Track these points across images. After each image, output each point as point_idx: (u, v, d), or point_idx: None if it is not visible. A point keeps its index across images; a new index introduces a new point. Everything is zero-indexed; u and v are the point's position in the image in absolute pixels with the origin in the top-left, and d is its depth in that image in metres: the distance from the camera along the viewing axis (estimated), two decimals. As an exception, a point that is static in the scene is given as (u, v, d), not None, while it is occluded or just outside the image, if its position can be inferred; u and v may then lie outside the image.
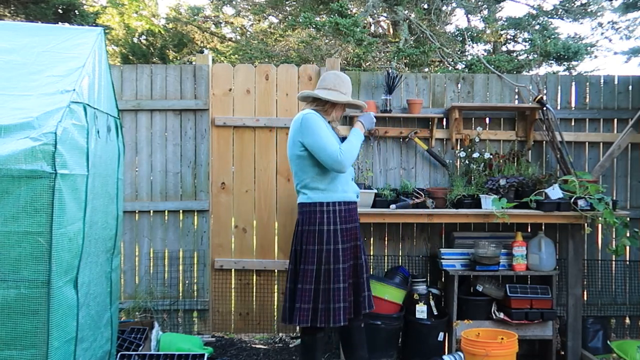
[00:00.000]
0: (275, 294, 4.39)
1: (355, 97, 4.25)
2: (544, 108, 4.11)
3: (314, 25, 7.64)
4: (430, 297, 3.87)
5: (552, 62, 8.28)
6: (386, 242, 4.32)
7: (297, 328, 4.39)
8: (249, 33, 12.54)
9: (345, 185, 3.11)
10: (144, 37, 11.78)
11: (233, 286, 4.39)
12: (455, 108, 4.13)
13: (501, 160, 4.11)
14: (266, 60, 9.44)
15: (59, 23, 7.12)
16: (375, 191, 3.89)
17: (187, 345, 3.72)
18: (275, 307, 4.39)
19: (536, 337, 3.82)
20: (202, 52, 11.07)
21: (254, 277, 4.38)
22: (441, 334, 3.82)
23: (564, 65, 8.43)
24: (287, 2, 10.42)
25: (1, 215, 2.20)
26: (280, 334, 4.46)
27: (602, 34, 9.77)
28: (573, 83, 4.39)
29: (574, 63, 8.57)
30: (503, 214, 3.62)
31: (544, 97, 4.18)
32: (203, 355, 3.37)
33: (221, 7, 12.13)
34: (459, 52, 8.64)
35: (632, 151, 4.34)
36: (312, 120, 2.99)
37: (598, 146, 4.34)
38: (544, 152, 4.33)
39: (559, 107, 4.35)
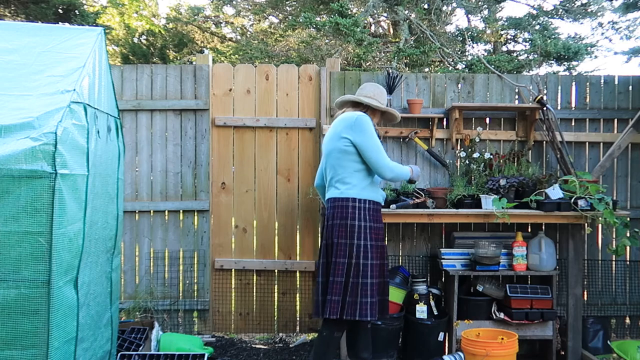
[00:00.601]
0: (276, 294, 4.39)
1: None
2: (545, 108, 4.11)
3: (314, 25, 7.65)
4: (431, 297, 3.87)
5: (552, 62, 8.29)
6: (386, 242, 4.31)
7: (298, 328, 4.41)
8: (249, 33, 12.55)
9: (376, 187, 3.26)
10: (144, 37, 11.78)
11: (233, 286, 4.39)
12: (456, 108, 4.13)
13: (501, 160, 4.11)
14: (266, 60, 9.45)
15: (59, 23, 7.12)
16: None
17: (188, 345, 3.72)
18: (276, 307, 4.39)
19: (536, 337, 3.82)
20: (202, 52, 11.07)
21: (254, 277, 4.38)
22: (441, 334, 3.82)
23: (564, 65, 8.44)
24: (287, 2, 10.43)
25: (1, 215, 2.20)
26: (281, 334, 4.46)
27: (603, 34, 9.78)
28: (573, 83, 4.38)
29: (574, 63, 8.57)
30: (503, 214, 3.62)
31: (545, 97, 4.18)
32: (203, 355, 3.37)
33: (221, 7, 12.13)
34: (459, 52, 8.64)
35: (632, 151, 4.34)
36: (367, 122, 3.14)
37: (598, 146, 4.33)
38: (544, 152, 4.33)
39: (559, 107, 4.34)
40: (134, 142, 4.29)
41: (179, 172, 4.33)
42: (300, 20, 7.68)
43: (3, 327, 2.23)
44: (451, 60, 8.22)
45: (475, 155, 4.14)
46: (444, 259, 3.90)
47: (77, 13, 7.39)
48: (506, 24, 8.94)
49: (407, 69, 8.23)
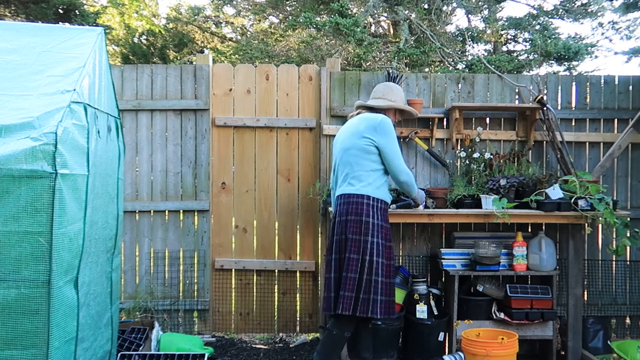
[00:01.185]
0: (276, 294, 4.39)
1: (355, 97, 4.26)
2: (545, 108, 4.11)
3: (314, 25, 7.65)
4: (431, 297, 3.87)
5: (552, 62, 8.29)
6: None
7: (298, 328, 4.40)
8: (249, 33, 12.55)
9: (387, 188, 3.30)
10: (144, 37, 11.79)
11: (233, 286, 4.39)
12: (456, 108, 4.13)
13: (502, 160, 4.11)
14: (266, 60, 9.45)
15: (60, 23, 7.13)
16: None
17: (188, 345, 3.72)
18: (276, 307, 4.39)
19: (537, 337, 3.82)
20: (202, 52, 11.07)
21: (255, 277, 4.38)
22: (442, 334, 3.82)
23: (564, 65, 8.44)
24: (287, 2, 10.43)
25: (2, 215, 2.20)
26: (281, 334, 4.46)
27: (603, 34, 9.78)
28: (573, 83, 4.38)
29: (574, 63, 8.57)
30: (503, 214, 3.62)
31: (545, 97, 4.17)
32: (203, 355, 3.37)
33: (222, 7, 12.14)
34: (459, 52, 8.64)
35: (632, 151, 4.33)
36: (390, 125, 3.22)
37: (598, 146, 4.33)
38: (544, 152, 4.33)
39: (559, 107, 4.34)
40: (134, 142, 4.29)
41: (179, 172, 4.33)
42: (301, 20, 7.68)
43: (3, 327, 2.23)
44: (451, 60, 8.22)
45: (476, 155, 4.14)
46: (444, 259, 3.90)
47: (77, 13, 7.40)
48: (506, 24, 8.94)
49: (407, 69, 8.23)
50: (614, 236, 3.96)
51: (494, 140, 4.30)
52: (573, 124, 4.33)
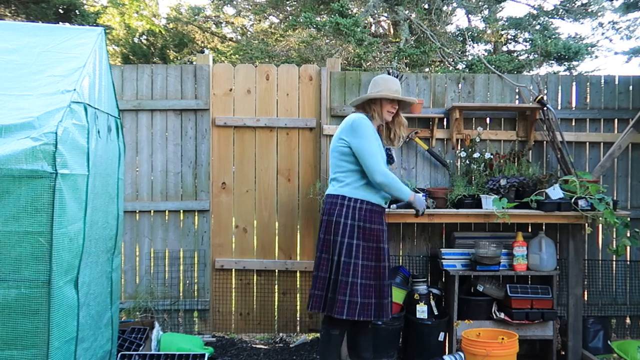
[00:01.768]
0: (276, 294, 4.39)
1: (355, 97, 4.24)
2: (545, 108, 4.10)
3: (314, 25, 7.65)
4: (431, 297, 3.87)
5: (552, 62, 8.29)
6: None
7: (298, 328, 4.40)
8: (249, 33, 12.55)
9: (373, 188, 3.19)
10: (144, 37, 11.79)
11: (234, 286, 4.39)
12: (456, 108, 4.13)
13: (502, 160, 4.11)
14: (267, 60, 9.45)
15: (60, 23, 7.13)
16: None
17: (188, 345, 3.72)
18: (276, 307, 4.39)
19: (537, 337, 3.82)
20: (202, 52, 11.06)
21: (255, 277, 4.38)
22: (442, 334, 3.82)
23: (564, 65, 8.44)
24: (287, 2, 10.43)
25: (2, 215, 2.20)
26: (281, 334, 4.46)
27: (603, 34, 9.78)
28: (574, 83, 4.38)
29: (574, 63, 8.57)
30: (504, 214, 3.62)
31: (545, 97, 4.17)
32: (204, 355, 3.37)
33: (222, 7, 12.14)
34: (459, 52, 8.64)
35: (632, 151, 4.33)
36: (363, 125, 3.14)
37: (599, 146, 4.33)
38: (544, 152, 4.33)
39: (559, 107, 4.34)
40: (134, 142, 4.29)
41: (179, 172, 4.33)
42: (301, 20, 7.68)
43: (3, 327, 2.23)
44: (451, 60, 8.22)
45: (476, 155, 4.14)
46: (444, 259, 3.90)
47: (78, 13, 7.40)
48: (506, 24, 8.94)
49: (408, 69, 8.23)
50: (614, 236, 3.97)
51: (494, 140, 4.30)
52: (573, 124, 4.33)
